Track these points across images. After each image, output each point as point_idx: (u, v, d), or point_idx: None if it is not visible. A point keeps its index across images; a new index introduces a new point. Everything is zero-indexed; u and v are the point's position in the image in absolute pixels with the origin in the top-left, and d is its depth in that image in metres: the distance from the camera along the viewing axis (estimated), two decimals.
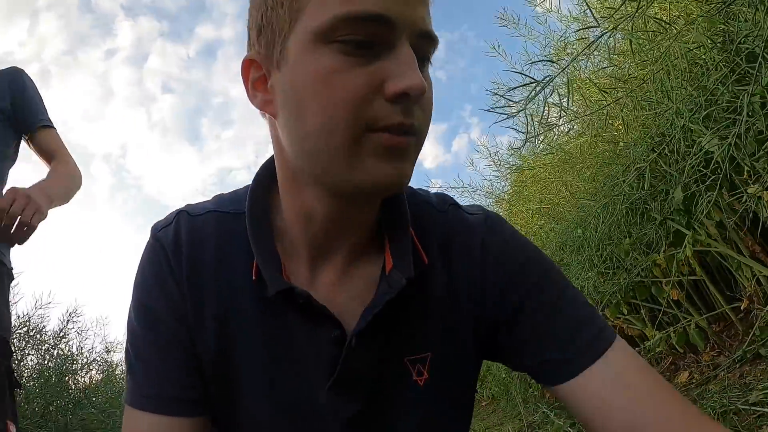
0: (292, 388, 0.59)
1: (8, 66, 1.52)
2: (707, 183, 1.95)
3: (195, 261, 0.59)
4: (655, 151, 2.16)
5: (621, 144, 2.39)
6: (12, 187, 1.20)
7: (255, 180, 0.62)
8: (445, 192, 0.72)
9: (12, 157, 1.47)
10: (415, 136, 0.50)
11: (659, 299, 2.41)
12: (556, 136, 2.82)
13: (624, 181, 2.31)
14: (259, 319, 0.58)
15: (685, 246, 2.07)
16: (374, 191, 0.51)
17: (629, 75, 2.29)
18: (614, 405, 0.54)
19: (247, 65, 0.56)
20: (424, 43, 0.50)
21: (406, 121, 0.48)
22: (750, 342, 1.88)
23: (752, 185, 1.86)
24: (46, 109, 1.54)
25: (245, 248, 0.58)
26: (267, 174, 0.62)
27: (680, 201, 2.06)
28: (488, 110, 1.61)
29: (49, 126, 1.52)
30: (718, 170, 1.87)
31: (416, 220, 0.62)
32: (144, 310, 0.59)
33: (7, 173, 1.45)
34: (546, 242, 3.13)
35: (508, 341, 0.61)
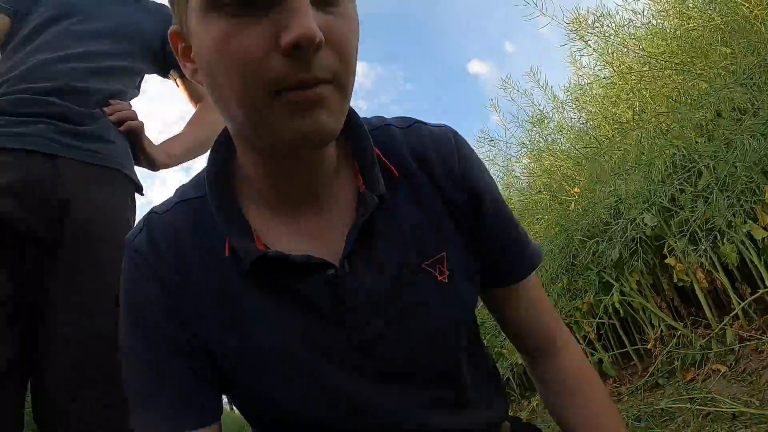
0: (312, 351, 0.58)
1: None
2: (633, 249, 2.55)
3: (176, 253, 0.58)
4: (603, 220, 2.75)
5: (572, 206, 2.96)
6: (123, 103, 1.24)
7: (210, 155, 0.60)
8: None
9: (137, 91, 1.39)
10: (330, 84, 0.47)
11: (577, 337, 2.97)
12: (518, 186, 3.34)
13: (569, 240, 2.90)
14: (254, 294, 0.57)
15: (613, 294, 2.64)
16: (294, 148, 0.49)
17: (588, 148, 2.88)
18: (527, 311, 0.72)
19: (174, 37, 0.56)
20: None
21: (306, 77, 0.45)
22: (650, 374, 2.45)
23: (670, 257, 2.49)
24: None
25: (217, 227, 0.57)
26: (224, 144, 0.61)
27: (614, 260, 2.65)
28: None
29: None
30: (647, 242, 2.48)
31: (380, 140, 0.62)
32: (136, 324, 0.58)
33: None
34: None
35: (485, 242, 0.66)
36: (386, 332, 0.58)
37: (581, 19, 2.62)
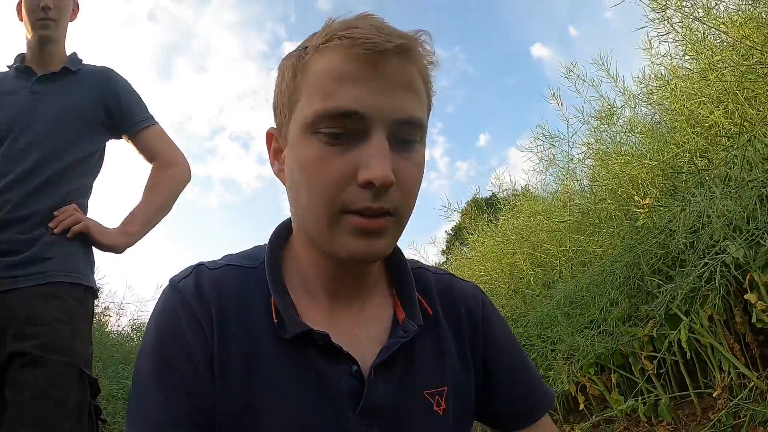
0: (317, 422, 0.61)
1: (95, 64, 1.53)
2: (709, 278, 2.16)
3: (219, 306, 0.62)
4: (671, 240, 2.36)
5: (640, 220, 2.58)
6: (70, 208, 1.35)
7: (272, 238, 0.70)
8: None
9: (96, 166, 1.48)
10: (392, 216, 0.57)
11: (633, 369, 2.62)
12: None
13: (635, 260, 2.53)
14: (282, 359, 0.62)
15: (680, 329, 2.26)
16: (350, 261, 0.60)
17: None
18: None
19: (270, 136, 0.67)
20: (405, 129, 0.57)
21: (374, 206, 0.55)
22: (712, 425, 2.09)
23: (751, 293, 2.09)
24: (144, 106, 1.53)
25: (263, 296, 0.64)
26: (282, 232, 0.71)
27: (686, 291, 2.27)
28: None
29: (150, 124, 1.51)
30: (726, 273, 2.09)
31: (418, 279, 0.72)
32: (159, 357, 0.60)
33: (91, 186, 1.47)
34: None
35: (490, 390, 0.74)
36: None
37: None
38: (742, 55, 2.09)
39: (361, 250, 0.57)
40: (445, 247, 10.35)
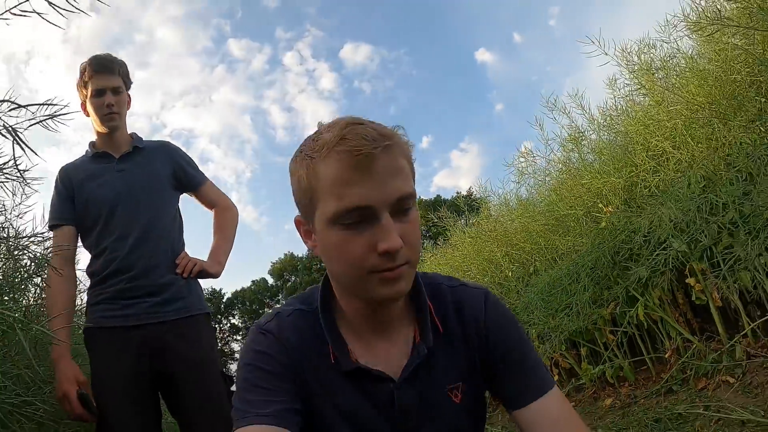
0: (371, 420, 0.86)
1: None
2: (657, 269, 2.85)
3: (298, 344, 0.85)
4: (633, 233, 3.05)
5: (603, 224, 3.25)
6: (184, 254, 1.81)
7: (321, 291, 0.89)
8: None
9: (179, 219, 1.91)
10: (407, 265, 0.75)
11: (598, 342, 3.29)
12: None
13: (600, 255, 3.20)
14: (343, 384, 0.85)
15: (637, 307, 2.94)
16: (383, 302, 0.80)
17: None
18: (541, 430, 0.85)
19: (298, 223, 0.85)
20: (402, 202, 0.73)
21: (392, 266, 0.73)
22: (665, 381, 2.76)
23: (690, 278, 2.79)
24: (197, 167, 2.00)
25: (323, 335, 0.85)
26: (327, 286, 0.89)
27: (643, 277, 2.95)
28: None
29: (206, 180, 1.98)
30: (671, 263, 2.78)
31: (434, 296, 0.91)
32: (260, 375, 0.82)
33: (180, 231, 1.90)
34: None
35: (495, 380, 0.90)
36: (417, 428, 0.87)
37: (628, 50, 2.88)
38: (685, 105, 2.76)
39: (389, 293, 0.75)
40: None
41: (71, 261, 1.74)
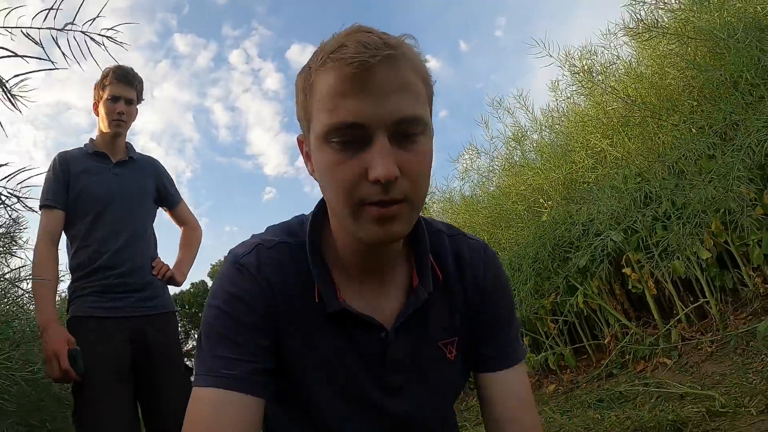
0: (357, 372, 0.77)
1: (145, 152, 2.14)
2: (595, 259, 3.03)
3: (281, 280, 0.75)
4: (573, 225, 3.22)
5: (544, 217, 3.40)
6: (159, 260, 1.98)
7: (312, 220, 0.79)
8: None
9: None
10: (405, 202, 0.64)
11: (540, 332, 3.43)
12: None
13: (541, 246, 3.34)
14: (327, 327, 0.76)
15: (577, 296, 3.10)
16: (373, 244, 0.69)
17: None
18: (503, 401, 0.81)
19: (300, 143, 0.77)
20: (404, 126, 0.63)
21: (385, 198, 0.62)
22: (605, 365, 2.94)
23: (626, 268, 2.99)
24: (175, 186, 2.18)
25: (308, 274, 0.76)
26: (319, 215, 0.80)
27: (580, 267, 3.11)
28: None
29: (181, 200, 2.19)
30: (609, 254, 2.96)
31: (433, 245, 0.83)
32: (230, 315, 0.72)
33: (155, 241, 2.06)
34: None
35: (476, 339, 0.84)
36: (404, 385, 0.80)
37: (571, 55, 3.04)
38: (623, 106, 2.96)
39: (381, 235, 0.65)
40: None
41: (56, 243, 1.84)
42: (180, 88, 67.72)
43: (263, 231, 0.83)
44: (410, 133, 0.64)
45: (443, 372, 0.82)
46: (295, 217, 0.85)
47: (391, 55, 0.61)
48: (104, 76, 1.93)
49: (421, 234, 0.80)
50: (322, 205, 0.80)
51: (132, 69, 1.98)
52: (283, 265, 0.76)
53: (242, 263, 0.75)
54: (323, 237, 0.79)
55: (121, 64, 1.94)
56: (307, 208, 0.85)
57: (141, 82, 2.03)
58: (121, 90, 1.92)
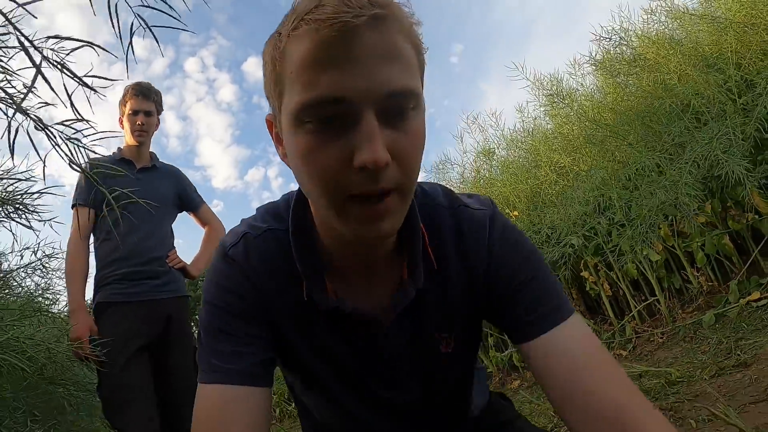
0: (352, 368, 0.75)
1: (167, 162, 2.38)
2: (556, 263, 3.36)
3: (269, 269, 0.71)
4: (536, 233, 3.53)
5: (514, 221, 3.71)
6: (174, 251, 2.22)
7: (293, 210, 0.71)
8: None
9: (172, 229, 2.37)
10: (395, 192, 0.56)
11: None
12: None
13: None
14: (317, 321, 0.71)
15: None
16: (361, 242, 0.64)
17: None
18: (556, 369, 0.64)
19: (269, 123, 0.66)
20: (395, 101, 0.52)
21: (373, 188, 0.53)
22: None
23: (584, 271, 3.32)
24: (196, 191, 2.43)
25: (296, 264, 0.69)
26: (302, 201, 0.72)
27: None
28: None
29: (203, 203, 2.43)
30: (571, 256, 3.29)
31: (430, 221, 0.72)
32: (224, 309, 0.69)
33: (173, 240, 2.32)
34: None
35: (500, 309, 0.72)
36: (401, 377, 0.76)
37: (540, 80, 3.42)
38: (584, 127, 3.33)
39: (369, 233, 0.57)
40: None
41: (87, 238, 2.10)
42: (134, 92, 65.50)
43: (253, 213, 0.78)
44: (402, 109, 0.54)
45: (439, 364, 0.77)
46: (284, 195, 0.78)
47: (379, 15, 0.50)
48: (125, 93, 2.21)
49: (414, 221, 0.70)
50: (302, 195, 0.72)
51: (149, 83, 2.24)
52: (271, 256, 0.71)
53: (230, 255, 0.72)
54: (308, 227, 0.71)
55: (140, 81, 2.22)
56: None
57: (158, 94, 2.29)
58: (140, 104, 2.18)
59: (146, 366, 2.00)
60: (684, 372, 2.25)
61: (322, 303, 0.68)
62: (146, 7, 1.10)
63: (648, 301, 3.03)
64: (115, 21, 1.04)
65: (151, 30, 1.16)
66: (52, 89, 0.91)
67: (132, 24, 1.09)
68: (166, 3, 1.11)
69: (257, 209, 0.78)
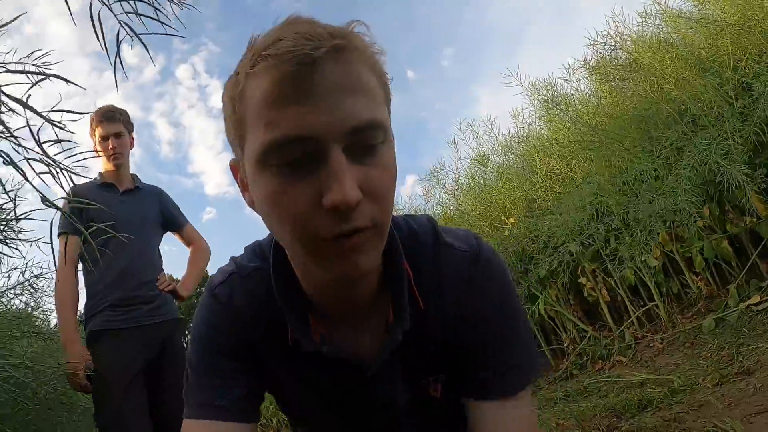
0: (338, 408, 0.74)
1: (150, 183, 2.37)
2: (554, 269, 3.33)
3: (254, 309, 0.71)
4: (533, 241, 3.50)
5: (506, 233, 3.68)
6: (163, 274, 2.18)
7: (273, 255, 0.69)
8: None
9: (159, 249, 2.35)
10: (370, 229, 0.52)
11: None
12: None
13: (506, 258, 3.60)
14: (303, 364, 0.70)
15: (538, 303, 3.36)
16: (338, 283, 0.61)
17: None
18: None
19: (234, 170, 0.64)
20: (363, 135, 0.50)
21: (345, 229, 0.50)
22: (566, 368, 3.18)
23: (582, 278, 3.30)
24: (180, 211, 2.42)
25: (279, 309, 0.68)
26: (279, 248, 0.68)
27: (542, 276, 3.39)
28: None
29: (187, 223, 2.41)
30: (569, 263, 3.26)
31: (411, 259, 0.69)
32: (211, 350, 0.71)
33: (161, 261, 2.31)
34: None
35: (460, 351, 0.71)
36: (387, 420, 0.76)
37: (535, 86, 3.40)
38: (582, 133, 3.31)
39: (345, 272, 0.54)
40: None
41: (75, 265, 2.07)
42: (125, 100, 66.07)
43: (242, 251, 0.78)
44: (369, 143, 0.52)
45: (429, 410, 0.76)
46: (270, 234, 0.73)
47: (339, 46, 0.49)
48: (90, 123, 2.19)
49: (397, 260, 0.67)
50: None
51: (112, 106, 2.22)
52: (257, 296, 0.70)
53: (215, 294, 0.73)
54: (289, 268, 0.68)
55: (101, 105, 2.20)
56: (248, 230, 0.85)
57: (124, 113, 2.25)
58: (108, 128, 2.16)
59: (143, 391, 2.00)
60: (686, 380, 2.21)
61: (307, 346, 0.66)
62: (134, 14, 1.08)
63: (647, 307, 3.00)
64: (100, 34, 1.01)
65: (139, 38, 1.13)
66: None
67: (118, 33, 1.06)
68: (156, 8, 1.10)
69: (245, 248, 0.77)
